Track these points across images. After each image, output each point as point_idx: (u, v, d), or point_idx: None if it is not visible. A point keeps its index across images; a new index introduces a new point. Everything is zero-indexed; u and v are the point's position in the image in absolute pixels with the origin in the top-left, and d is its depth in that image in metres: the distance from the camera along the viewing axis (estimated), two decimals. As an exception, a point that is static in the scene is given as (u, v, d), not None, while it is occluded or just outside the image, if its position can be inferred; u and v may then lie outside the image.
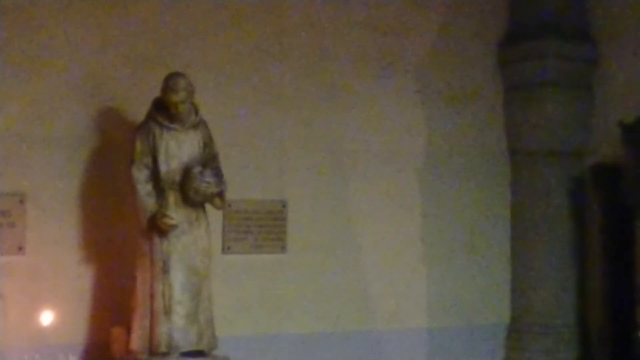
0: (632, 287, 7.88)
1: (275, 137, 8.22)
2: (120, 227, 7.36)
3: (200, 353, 7.00)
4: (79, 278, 7.42)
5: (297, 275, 8.23)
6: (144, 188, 6.98)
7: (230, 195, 7.28)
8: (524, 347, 8.88)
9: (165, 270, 6.92)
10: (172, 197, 7.01)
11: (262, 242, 8.14)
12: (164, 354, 6.85)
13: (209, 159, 7.16)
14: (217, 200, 7.13)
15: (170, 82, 6.98)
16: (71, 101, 7.47)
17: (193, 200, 7.03)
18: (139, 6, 7.72)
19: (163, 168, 7.00)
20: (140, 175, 6.99)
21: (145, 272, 6.96)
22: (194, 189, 6.97)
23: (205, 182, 6.99)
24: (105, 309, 7.40)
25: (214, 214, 7.35)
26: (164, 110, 7.03)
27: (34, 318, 7.06)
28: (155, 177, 7.02)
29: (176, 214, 6.96)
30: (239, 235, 8.05)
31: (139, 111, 7.21)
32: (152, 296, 6.92)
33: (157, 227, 6.91)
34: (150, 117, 7.07)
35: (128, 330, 7.05)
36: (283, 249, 8.19)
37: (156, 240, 6.94)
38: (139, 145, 7.01)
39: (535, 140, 8.88)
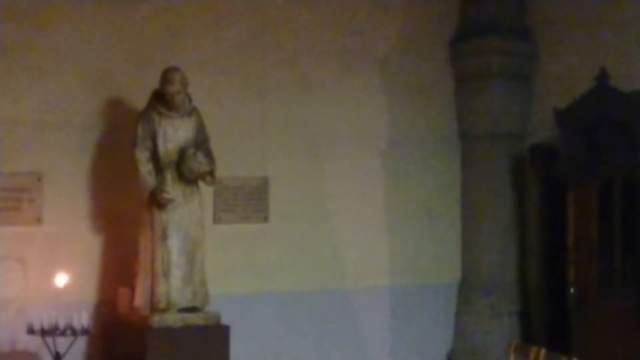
0: (564, 249, 8.24)
1: (258, 123, 8.42)
2: (125, 201, 7.55)
3: (194, 309, 7.28)
4: (89, 245, 7.62)
5: (277, 242, 8.46)
6: (145, 167, 7.23)
7: (219, 173, 7.51)
8: (472, 302, 9.24)
9: (164, 238, 7.18)
10: (169, 175, 7.26)
11: (247, 213, 8.32)
12: (164, 310, 7.16)
13: (201, 142, 7.38)
14: (208, 178, 7.38)
15: (166, 75, 7.21)
16: (81, 92, 7.65)
17: (187, 178, 7.28)
18: (140, 10, 7.87)
19: (161, 150, 7.25)
20: (142, 156, 7.24)
21: (147, 239, 7.23)
22: (188, 168, 7.23)
23: (198, 162, 7.25)
24: (112, 272, 7.62)
25: (206, 190, 7.62)
26: (162, 99, 7.26)
27: (51, 280, 7.20)
28: (154, 157, 7.25)
29: (173, 189, 7.23)
30: (227, 207, 8.23)
31: (140, 101, 7.47)
32: (153, 260, 7.18)
33: (156, 201, 7.16)
34: (150, 105, 7.30)
35: (132, 289, 7.33)
36: (266, 219, 8.41)
37: (156, 212, 7.20)
38: (140, 130, 7.25)
39: (482, 125, 9.22)
